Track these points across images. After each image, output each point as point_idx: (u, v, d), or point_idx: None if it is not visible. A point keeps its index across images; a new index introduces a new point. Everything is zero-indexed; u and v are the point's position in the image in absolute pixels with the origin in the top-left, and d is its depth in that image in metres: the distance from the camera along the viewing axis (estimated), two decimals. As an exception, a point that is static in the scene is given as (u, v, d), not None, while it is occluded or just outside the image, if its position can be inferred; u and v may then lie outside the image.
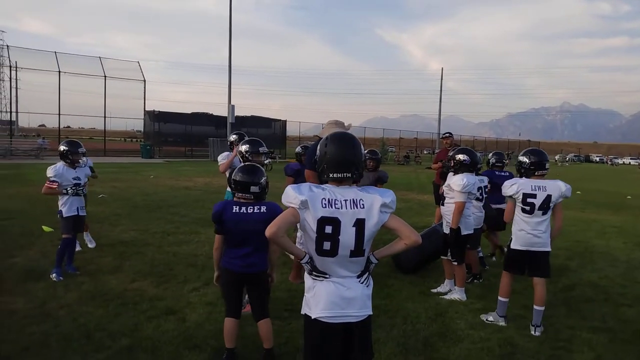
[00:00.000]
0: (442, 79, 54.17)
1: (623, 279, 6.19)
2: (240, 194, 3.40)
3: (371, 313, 2.36)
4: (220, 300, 4.66)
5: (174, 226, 8.45)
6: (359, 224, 2.20)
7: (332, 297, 2.25)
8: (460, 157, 5.14)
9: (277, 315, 4.39)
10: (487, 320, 4.51)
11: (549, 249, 4.35)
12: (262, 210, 3.35)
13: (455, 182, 4.96)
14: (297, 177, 5.49)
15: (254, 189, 3.38)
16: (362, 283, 2.30)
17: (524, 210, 4.27)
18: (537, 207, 4.22)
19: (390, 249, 2.38)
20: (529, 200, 4.22)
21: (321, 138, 5.20)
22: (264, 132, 38.76)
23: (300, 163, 5.81)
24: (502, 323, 4.44)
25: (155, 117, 35.60)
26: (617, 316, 4.81)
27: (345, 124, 5.48)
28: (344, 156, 2.25)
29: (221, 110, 35.36)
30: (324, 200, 2.21)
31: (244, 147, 4.76)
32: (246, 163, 3.89)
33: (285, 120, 42.27)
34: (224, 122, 34.19)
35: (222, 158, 6.12)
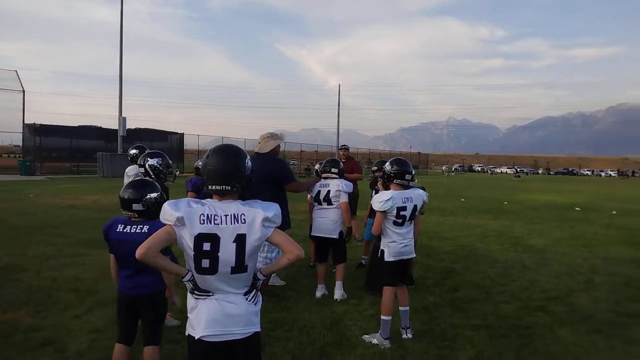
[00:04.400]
0: (339, 94, 55.99)
1: (502, 278, 6.74)
2: (124, 211, 3.20)
3: (258, 330, 2.30)
4: (107, 326, 4.37)
5: (56, 249, 7.77)
6: (240, 240, 2.14)
7: (214, 314, 2.17)
8: (317, 166, 6.06)
9: (171, 339, 4.18)
10: (370, 342, 4.27)
11: (415, 255, 4.56)
12: (143, 230, 3.11)
13: None
14: (200, 193, 5.33)
15: (136, 206, 3.15)
16: (248, 300, 2.24)
17: (395, 223, 4.26)
18: (407, 218, 4.28)
19: (275, 266, 2.37)
20: (401, 213, 4.23)
21: (259, 154, 5.21)
22: (160, 145, 37.19)
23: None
24: (387, 345, 4.20)
25: (36, 131, 32.73)
26: (496, 313, 5.20)
27: (279, 134, 5.51)
28: (223, 168, 2.19)
29: (113, 124, 33.48)
30: (202, 216, 2.12)
31: (155, 160, 4.64)
32: (137, 178, 3.71)
33: (183, 133, 40.98)
34: (114, 135, 32.30)
35: (134, 173, 5.55)
